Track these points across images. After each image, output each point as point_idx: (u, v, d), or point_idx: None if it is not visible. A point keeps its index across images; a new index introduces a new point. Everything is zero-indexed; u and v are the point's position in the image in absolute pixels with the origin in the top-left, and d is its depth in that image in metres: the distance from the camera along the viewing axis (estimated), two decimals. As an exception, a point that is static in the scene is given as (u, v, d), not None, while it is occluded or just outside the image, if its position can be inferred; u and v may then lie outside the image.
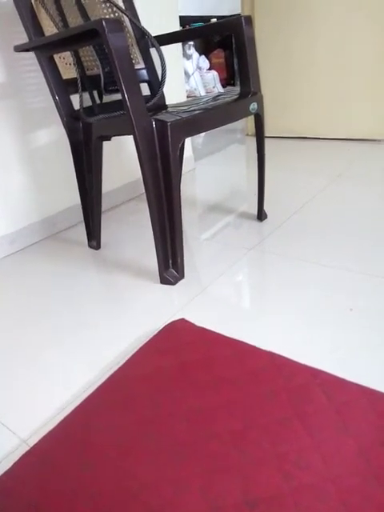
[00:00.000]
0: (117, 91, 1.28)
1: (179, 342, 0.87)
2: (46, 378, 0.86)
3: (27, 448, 0.68)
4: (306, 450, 0.61)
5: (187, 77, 4.33)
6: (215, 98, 1.31)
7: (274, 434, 0.64)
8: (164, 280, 1.15)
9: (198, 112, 1.11)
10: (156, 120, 0.99)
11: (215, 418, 0.68)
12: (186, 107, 1.25)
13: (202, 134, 3.09)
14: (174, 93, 1.92)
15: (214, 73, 4.64)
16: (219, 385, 0.75)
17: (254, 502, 0.55)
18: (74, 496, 0.59)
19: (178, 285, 1.14)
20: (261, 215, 1.48)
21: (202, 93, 4.43)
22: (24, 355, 0.94)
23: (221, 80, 4.79)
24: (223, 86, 4.87)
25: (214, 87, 4.61)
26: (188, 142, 2.14)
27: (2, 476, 0.63)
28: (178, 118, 1.02)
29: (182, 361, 0.81)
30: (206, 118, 1.12)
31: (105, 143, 1.25)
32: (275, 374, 0.76)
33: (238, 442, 0.64)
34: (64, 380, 0.85)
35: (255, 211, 1.51)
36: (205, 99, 1.35)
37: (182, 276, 1.17)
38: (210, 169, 2.24)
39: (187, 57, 4.37)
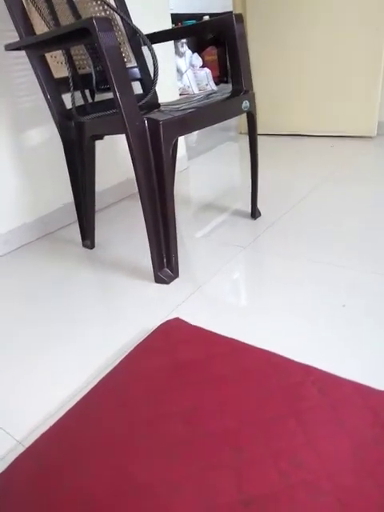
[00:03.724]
0: (109, 90, 1.28)
1: (174, 341, 0.87)
2: (40, 379, 0.86)
3: (23, 449, 0.68)
4: (301, 448, 0.62)
5: (180, 74, 4.32)
6: (208, 97, 1.31)
7: (268, 431, 0.65)
8: (158, 279, 1.15)
9: (190, 111, 1.11)
10: (148, 119, 0.99)
11: (210, 416, 0.68)
12: (178, 106, 1.25)
13: (195, 133, 3.08)
14: (167, 91, 1.92)
15: (207, 70, 4.63)
16: (214, 383, 0.75)
17: (249, 500, 0.56)
18: (69, 497, 0.59)
19: (172, 284, 1.14)
20: (254, 213, 1.49)
21: (195, 90, 4.42)
22: (18, 356, 0.93)
23: (214, 77, 4.78)
24: (216, 83, 4.86)
25: (206, 85, 4.60)
26: (181, 141, 2.13)
27: (-3, 478, 0.63)
28: (171, 116, 1.02)
29: (177, 360, 0.81)
30: (198, 116, 1.12)
31: (98, 142, 1.25)
32: (270, 372, 0.76)
33: (232, 440, 0.64)
34: (58, 381, 0.84)
35: (249, 209, 1.51)
36: (197, 98, 1.35)
37: (176, 275, 1.17)
38: (204, 167, 2.23)
39: (180, 54, 4.36)
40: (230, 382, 0.75)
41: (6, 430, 0.74)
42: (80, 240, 1.43)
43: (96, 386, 0.78)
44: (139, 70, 1.45)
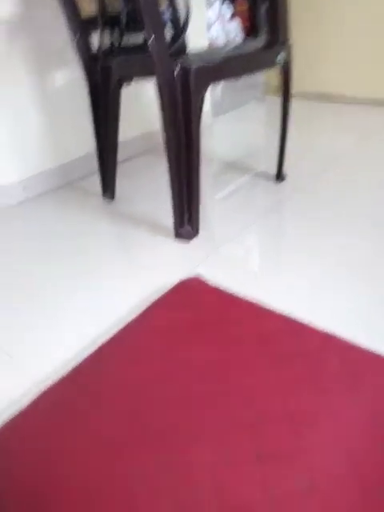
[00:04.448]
0: (138, 31, 1.21)
1: (193, 299, 0.86)
2: (58, 325, 0.87)
3: (40, 392, 0.69)
4: (318, 411, 0.62)
5: (208, 25, 4.09)
6: (240, 46, 1.24)
7: (286, 393, 0.65)
8: (179, 236, 1.13)
9: (222, 59, 1.04)
10: (179, 64, 0.93)
11: (227, 374, 0.69)
12: (209, 53, 1.18)
13: (220, 89, 2.95)
14: (196, 39, 1.81)
15: (237, 22, 4.37)
16: (232, 344, 0.75)
17: (263, 457, 0.56)
18: (87, 440, 0.60)
19: (192, 242, 1.12)
20: (280, 176, 1.43)
21: (223, 43, 4.20)
22: (35, 302, 0.94)
23: (243, 29, 4.52)
24: (245, 36, 4.60)
25: (235, 37, 4.36)
26: (207, 95, 2.04)
27: (16, 417, 0.64)
28: (202, 63, 0.96)
29: (196, 318, 0.81)
30: (230, 65, 1.06)
31: (123, 90, 1.19)
32: (289, 336, 0.75)
33: (249, 398, 0.64)
34: (76, 328, 0.85)
35: (273, 172, 1.46)
36: (228, 47, 1.27)
37: (196, 233, 1.15)
38: (228, 126, 2.15)
39: (209, 4, 4.10)
40: (248, 344, 0.74)
41: (22, 373, 0.76)
42: (100, 191, 1.40)
43: (114, 336, 0.78)
44: (170, 13, 1.36)
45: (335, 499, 0.52)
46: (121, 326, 0.81)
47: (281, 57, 1.18)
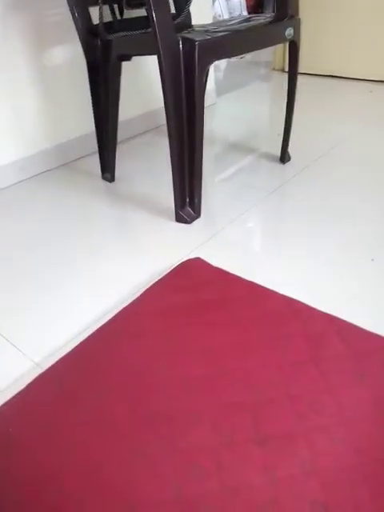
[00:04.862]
0: (139, 6, 1.16)
1: (194, 280, 0.85)
2: (57, 306, 0.85)
3: (40, 371, 0.68)
4: (320, 394, 0.61)
5: (211, 1, 3.96)
6: (247, 20, 1.19)
7: (288, 375, 0.64)
8: (180, 218, 1.11)
9: (228, 33, 1.00)
10: (183, 39, 0.89)
11: (229, 355, 0.68)
12: (214, 27, 1.13)
13: (223, 68, 2.88)
14: (200, 14, 1.74)
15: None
16: (234, 324, 0.73)
17: (264, 440, 0.55)
18: (89, 419, 0.59)
19: (193, 224, 1.10)
20: (284, 157, 1.40)
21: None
22: (35, 282, 0.93)
23: (247, 7, 4.39)
24: (249, 13, 4.47)
25: (239, 15, 4.24)
26: (211, 72, 1.99)
27: (14, 397, 0.63)
28: (208, 37, 0.92)
29: (197, 298, 0.80)
30: (237, 40, 1.02)
31: (122, 68, 1.15)
32: (292, 318, 0.74)
33: (251, 380, 0.63)
34: (76, 309, 0.84)
35: (278, 152, 1.42)
36: (235, 20, 1.22)
37: (198, 215, 1.12)
38: (232, 105, 2.10)
39: (213, -22, 3.97)
40: (250, 325, 0.73)
41: (23, 352, 0.75)
42: (100, 172, 1.37)
43: (114, 317, 0.77)
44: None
45: (336, 482, 0.51)
46: (121, 307, 0.80)
47: (289, 31, 1.14)
